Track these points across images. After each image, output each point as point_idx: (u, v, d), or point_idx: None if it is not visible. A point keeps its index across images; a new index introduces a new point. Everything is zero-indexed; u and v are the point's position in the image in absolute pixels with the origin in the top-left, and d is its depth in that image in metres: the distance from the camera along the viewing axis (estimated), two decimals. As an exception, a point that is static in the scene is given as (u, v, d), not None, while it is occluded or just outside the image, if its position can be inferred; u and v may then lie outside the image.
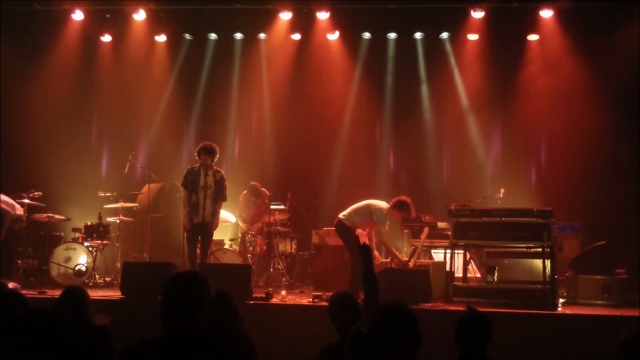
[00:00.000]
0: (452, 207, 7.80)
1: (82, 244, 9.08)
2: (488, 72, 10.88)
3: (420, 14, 10.57)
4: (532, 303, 7.12)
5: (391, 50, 11.28)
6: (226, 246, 9.77)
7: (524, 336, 6.45)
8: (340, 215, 8.27)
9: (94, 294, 7.44)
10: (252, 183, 10.43)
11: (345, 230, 8.16)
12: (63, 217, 9.57)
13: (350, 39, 11.21)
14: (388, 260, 8.78)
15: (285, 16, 10.72)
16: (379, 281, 7.34)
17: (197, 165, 8.21)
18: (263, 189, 10.38)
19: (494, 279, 7.66)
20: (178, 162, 11.35)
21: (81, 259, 8.92)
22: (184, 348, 2.66)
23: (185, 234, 8.32)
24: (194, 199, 8.10)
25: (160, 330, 2.72)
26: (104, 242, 9.25)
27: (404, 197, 8.08)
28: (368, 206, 8.19)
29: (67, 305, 4.04)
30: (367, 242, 9.14)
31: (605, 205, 9.77)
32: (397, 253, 8.25)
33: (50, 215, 9.24)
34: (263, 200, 10.36)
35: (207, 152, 8.09)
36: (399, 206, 8.01)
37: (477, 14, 10.30)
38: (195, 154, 8.24)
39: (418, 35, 11.09)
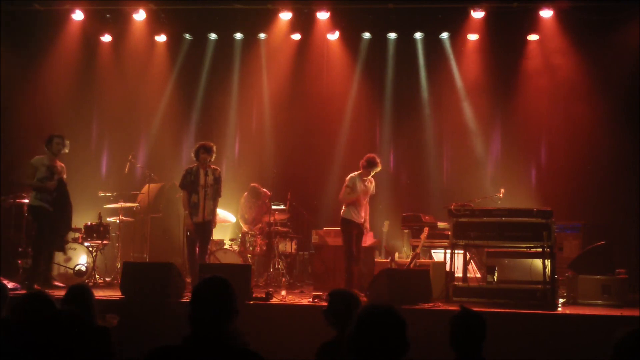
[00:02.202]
0: (452, 207, 7.79)
1: (82, 244, 9.08)
2: (488, 72, 10.88)
3: (420, 14, 10.58)
4: (532, 303, 7.10)
5: (391, 50, 11.28)
6: (226, 246, 9.76)
7: (524, 336, 6.43)
8: (341, 212, 8.30)
9: (94, 294, 7.41)
10: (252, 185, 10.41)
11: (346, 225, 8.21)
12: (63, 217, 9.55)
13: (350, 39, 11.20)
14: (388, 260, 8.79)
15: (285, 16, 10.71)
16: (379, 281, 7.36)
17: (195, 165, 8.20)
18: (263, 190, 10.37)
19: (494, 279, 7.65)
20: (178, 162, 11.32)
21: (81, 259, 8.93)
22: (213, 354, 2.65)
23: (186, 235, 8.31)
24: (195, 199, 8.10)
25: (183, 334, 2.72)
26: (104, 242, 9.25)
27: (368, 154, 8.32)
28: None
29: (72, 304, 4.04)
30: (371, 242, 9.15)
31: (605, 205, 9.77)
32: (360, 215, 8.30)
33: (51, 215, 9.21)
34: (264, 200, 10.35)
35: (207, 151, 8.09)
36: (365, 164, 8.24)
37: (477, 14, 10.31)
38: (192, 154, 8.23)
39: (418, 35, 11.09)
